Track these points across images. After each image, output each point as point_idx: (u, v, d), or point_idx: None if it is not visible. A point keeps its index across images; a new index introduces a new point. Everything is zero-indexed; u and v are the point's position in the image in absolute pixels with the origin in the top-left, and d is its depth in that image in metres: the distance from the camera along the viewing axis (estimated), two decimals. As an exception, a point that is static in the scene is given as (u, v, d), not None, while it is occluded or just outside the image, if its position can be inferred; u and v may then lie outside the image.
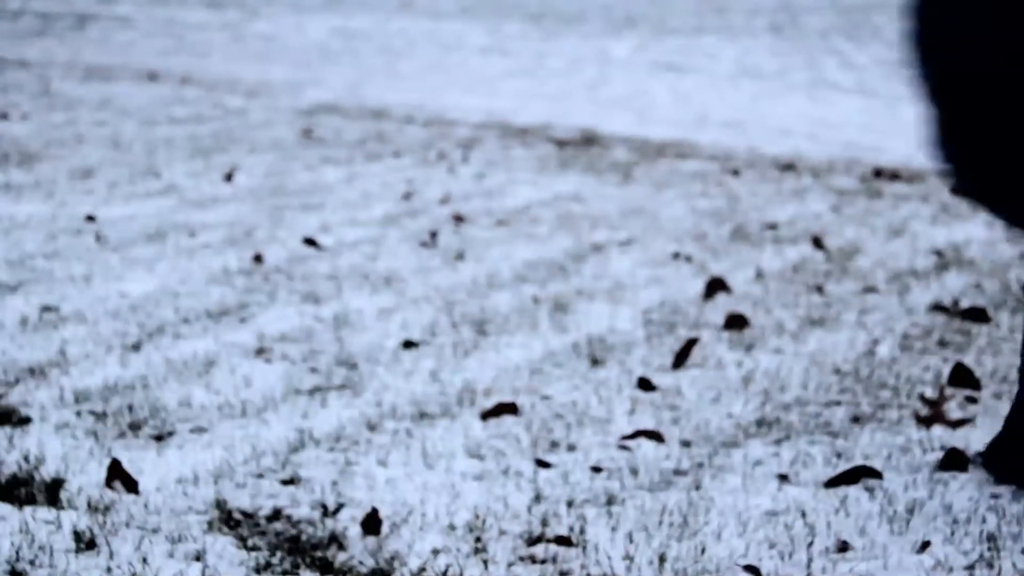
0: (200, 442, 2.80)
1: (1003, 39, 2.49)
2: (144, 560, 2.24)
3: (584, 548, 2.34)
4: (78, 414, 2.94)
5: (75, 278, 4.07)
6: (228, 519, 2.43)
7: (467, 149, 7.05)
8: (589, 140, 7.48)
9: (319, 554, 2.29)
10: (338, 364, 3.34)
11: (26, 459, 2.67)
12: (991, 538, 2.38)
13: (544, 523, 2.43)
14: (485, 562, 2.28)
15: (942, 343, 3.64)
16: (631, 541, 2.37)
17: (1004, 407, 3.12)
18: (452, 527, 2.41)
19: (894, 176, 6.62)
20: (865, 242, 4.98)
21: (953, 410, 3.08)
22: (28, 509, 2.42)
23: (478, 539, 2.37)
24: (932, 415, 3.02)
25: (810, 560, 2.30)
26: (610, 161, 6.76)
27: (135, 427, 2.88)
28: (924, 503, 2.54)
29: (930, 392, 3.21)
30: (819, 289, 4.20)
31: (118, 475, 2.55)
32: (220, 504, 2.49)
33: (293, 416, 2.96)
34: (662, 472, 2.70)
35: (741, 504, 2.53)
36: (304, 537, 2.37)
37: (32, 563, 2.22)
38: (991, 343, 3.67)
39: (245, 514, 2.46)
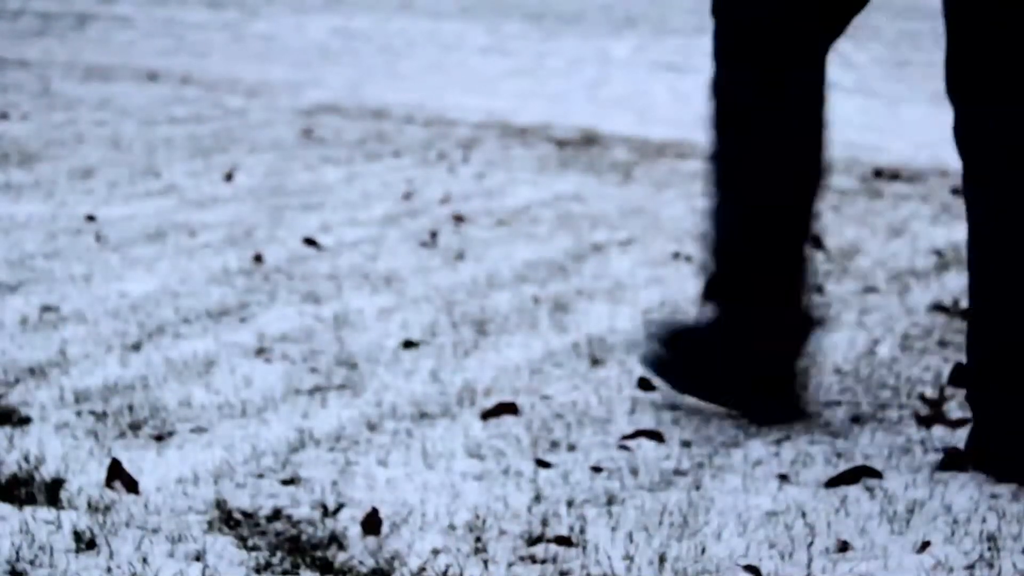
0: (200, 442, 2.80)
1: None
2: (144, 560, 2.24)
3: (584, 548, 2.34)
4: (78, 414, 2.94)
5: (75, 278, 4.07)
6: (228, 519, 2.43)
7: (467, 149, 7.06)
8: (589, 140, 7.48)
9: (319, 554, 2.29)
10: (338, 364, 3.34)
11: (26, 459, 2.67)
12: (991, 538, 2.38)
13: (544, 523, 2.43)
14: (485, 562, 2.28)
15: (942, 343, 3.65)
16: (631, 541, 2.37)
17: (1004, 407, 3.12)
18: (452, 527, 2.41)
19: (894, 176, 6.62)
20: (865, 242, 4.98)
21: (953, 410, 3.09)
22: (28, 509, 2.42)
23: (478, 539, 2.37)
24: (932, 415, 3.02)
25: (810, 560, 2.30)
26: (610, 161, 6.76)
27: (135, 427, 2.88)
28: (924, 503, 2.54)
29: (930, 392, 3.21)
30: (819, 289, 4.20)
31: (118, 475, 2.55)
32: (220, 504, 2.49)
33: (293, 416, 2.97)
34: (662, 472, 2.70)
35: (741, 504, 2.53)
36: (304, 537, 2.37)
37: (32, 563, 2.22)
38: (991, 343, 3.67)
39: (245, 514, 2.46)
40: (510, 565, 2.28)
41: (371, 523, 2.39)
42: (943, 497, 2.57)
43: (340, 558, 2.29)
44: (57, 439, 2.79)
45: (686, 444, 2.85)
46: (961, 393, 3.21)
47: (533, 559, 2.30)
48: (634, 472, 2.69)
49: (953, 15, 2.75)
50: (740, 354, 2.96)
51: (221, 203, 5.36)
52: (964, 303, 4.08)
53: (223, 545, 2.31)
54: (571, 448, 2.82)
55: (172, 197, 5.46)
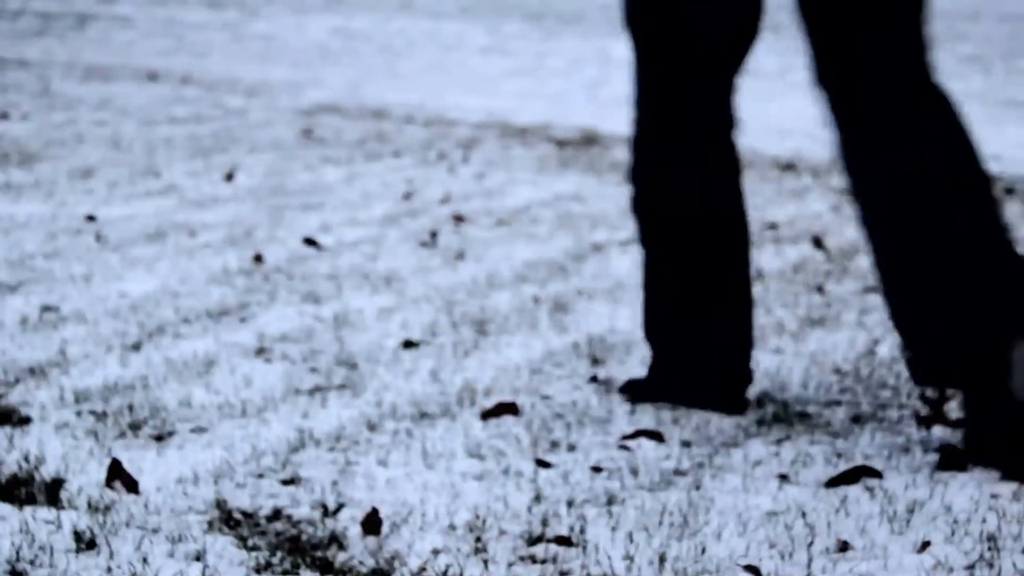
0: (200, 442, 2.80)
1: None
2: (144, 560, 2.24)
3: (584, 548, 2.34)
4: (78, 414, 2.94)
5: (75, 278, 4.08)
6: (228, 519, 2.43)
7: (467, 149, 7.06)
8: (589, 140, 7.48)
9: (319, 554, 2.29)
10: (338, 364, 3.34)
11: (26, 459, 2.67)
12: (991, 538, 2.38)
13: (544, 523, 2.43)
14: (485, 562, 2.28)
15: (942, 343, 3.64)
16: (631, 541, 2.37)
17: (1004, 407, 3.12)
18: (452, 527, 2.41)
19: (894, 176, 6.61)
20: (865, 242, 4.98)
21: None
22: (28, 509, 2.42)
23: (478, 539, 2.37)
24: (932, 415, 3.02)
25: (810, 560, 2.30)
26: (610, 161, 6.76)
27: (135, 427, 2.88)
28: (924, 503, 2.54)
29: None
30: (819, 289, 4.20)
31: (118, 475, 2.55)
32: (220, 504, 2.49)
33: (293, 416, 2.97)
34: (662, 472, 2.70)
35: (741, 504, 2.53)
36: (304, 537, 2.37)
37: (32, 563, 2.22)
38: (991, 343, 3.67)
39: (245, 514, 2.46)
40: (510, 565, 2.28)
41: (371, 523, 2.39)
42: (943, 497, 2.57)
43: (340, 558, 2.29)
44: (57, 439, 2.79)
45: (686, 444, 2.85)
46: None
47: (533, 559, 2.30)
48: (634, 472, 2.69)
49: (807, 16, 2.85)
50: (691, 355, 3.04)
51: (221, 203, 5.36)
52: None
53: (223, 545, 2.31)
54: (571, 448, 2.82)
55: (172, 197, 5.46)
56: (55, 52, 11.61)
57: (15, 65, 10.36)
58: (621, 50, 13.06)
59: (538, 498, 2.55)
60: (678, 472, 2.70)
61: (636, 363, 3.39)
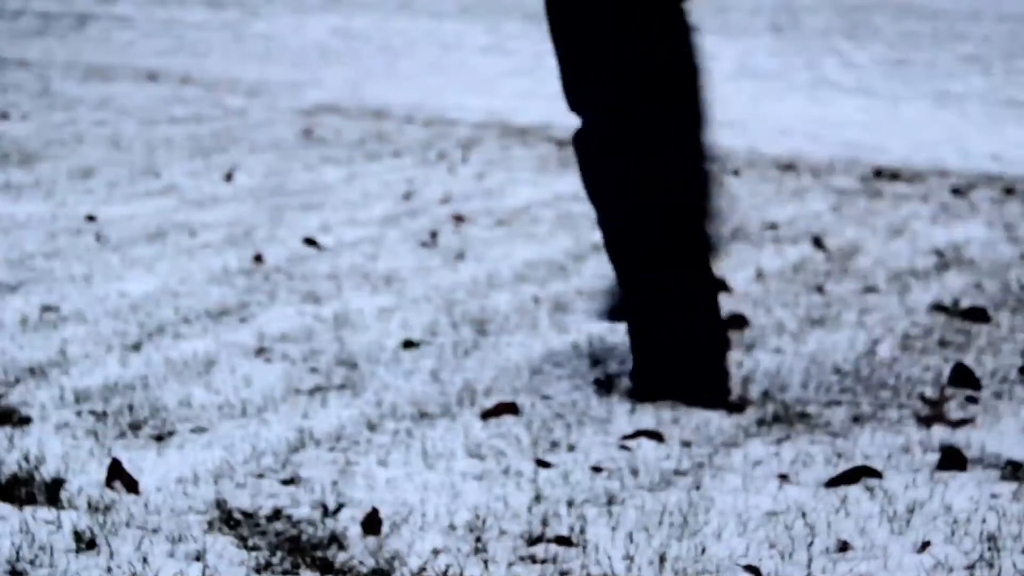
0: (200, 442, 2.80)
1: None
2: (144, 560, 2.24)
3: (584, 548, 2.34)
4: (78, 414, 2.94)
5: (75, 278, 4.07)
6: (228, 519, 2.43)
7: (467, 149, 7.06)
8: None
9: (319, 554, 2.29)
10: (338, 364, 3.34)
11: (26, 459, 2.67)
12: (991, 538, 2.38)
13: (544, 523, 2.43)
14: (485, 562, 2.28)
15: (942, 343, 3.65)
16: (631, 541, 2.37)
17: (1004, 407, 3.13)
18: (452, 527, 2.41)
19: (894, 176, 6.62)
20: (865, 242, 4.98)
21: (953, 410, 3.09)
22: (28, 509, 2.42)
23: (478, 539, 2.37)
24: (932, 415, 3.02)
25: (810, 560, 2.30)
26: (610, 161, 6.75)
27: (135, 427, 2.88)
28: (924, 503, 2.54)
29: (930, 392, 3.21)
30: (819, 289, 4.20)
31: (118, 475, 2.55)
32: (220, 504, 2.49)
33: (293, 416, 2.97)
34: (662, 472, 2.70)
35: (741, 504, 2.53)
36: (304, 537, 2.37)
37: (32, 563, 2.22)
38: (991, 343, 3.67)
39: (245, 514, 2.46)
40: (510, 565, 2.28)
41: (371, 523, 2.39)
42: (943, 497, 2.57)
43: (340, 558, 2.29)
44: (57, 439, 2.79)
45: (686, 444, 2.85)
46: (961, 393, 3.21)
47: (533, 559, 2.30)
48: (634, 472, 2.69)
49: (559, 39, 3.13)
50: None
51: (221, 203, 5.36)
52: (964, 303, 4.09)
53: (223, 545, 2.31)
54: (571, 448, 2.82)
55: (172, 197, 5.46)
56: (55, 52, 11.61)
57: (15, 65, 10.36)
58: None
59: (538, 498, 2.55)
60: (678, 472, 2.70)
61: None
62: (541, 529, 2.41)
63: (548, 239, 4.87)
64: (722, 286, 4.13)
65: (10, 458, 2.69)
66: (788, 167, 6.81)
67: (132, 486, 2.54)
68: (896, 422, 3.01)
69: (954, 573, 2.26)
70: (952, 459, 2.72)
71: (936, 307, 4.00)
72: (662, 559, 2.29)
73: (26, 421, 2.90)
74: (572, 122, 8.22)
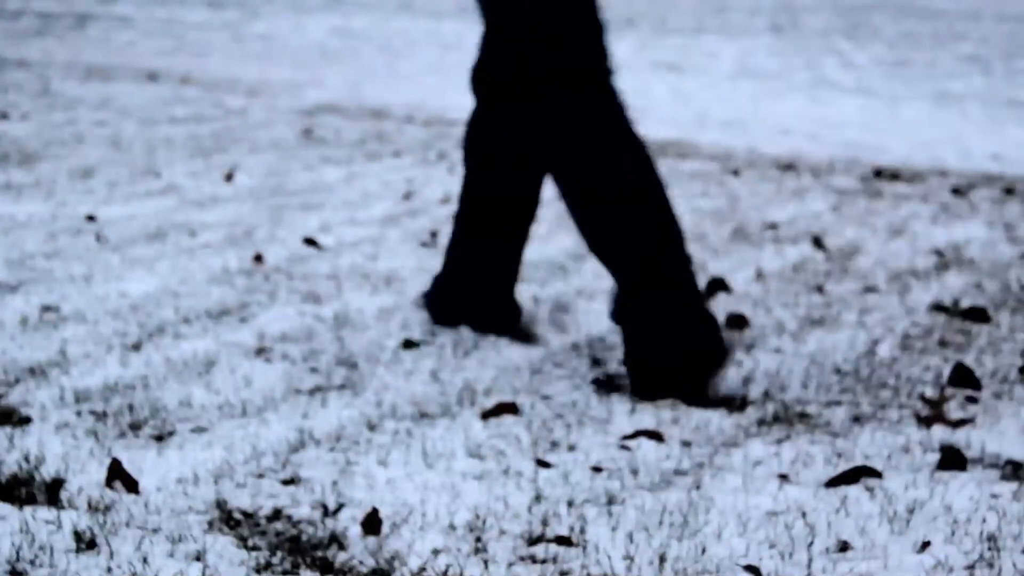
0: (200, 442, 2.80)
1: None
2: (144, 560, 2.24)
3: (584, 548, 2.34)
4: (78, 414, 2.94)
5: (75, 278, 4.07)
6: (228, 519, 2.43)
7: (467, 149, 7.05)
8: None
9: (319, 554, 2.29)
10: (338, 364, 3.34)
11: (26, 459, 2.67)
12: (991, 538, 2.38)
13: (544, 523, 2.43)
14: (485, 562, 2.28)
15: (942, 343, 3.65)
16: (631, 541, 2.37)
17: (1004, 407, 3.13)
18: (452, 527, 2.41)
19: (894, 176, 6.62)
20: (865, 242, 4.98)
21: (953, 410, 3.09)
22: (28, 509, 2.42)
23: (478, 539, 2.37)
24: (932, 415, 3.02)
25: (810, 560, 2.30)
26: (610, 161, 6.75)
27: (135, 427, 2.88)
28: (924, 503, 2.54)
29: (930, 392, 3.21)
30: (819, 289, 4.20)
31: (118, 475, 2.55)
32: (220, 504, 2.49)
33: (293, 416, 2.97)
34: (662, 472, 2.70)
35: (741, 504, 2.53)
36: (304, 537, 2.37)
37: (32, 563, 2.22)
38: (991, 343, 3.67)
39: (245, 514, 2.46)
40: (510, 565, 2.28)
41: (371, 523, 2.39)
42: (943, 497, 2.57)
43: (340, 558, 2.29)
44: (57, 439, 2.79)
45: (686, 444, 2.85)
46: (961, 393, 3.21)
47: (533, 559, 2.30)
48: (634, 472, 2.69)
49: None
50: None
51: (221, 203, 5.36)
52: (964, 303, 4.09)
53: (223, 545, 2.31)
54: (571, 448, 2.82)
55: (172, 197, 5.46)
56: (55, 52, 11.62)
57: (15, 65, 10.36)
58: (621, 50, 13.06)
59: (538, 498, 2.55)
60: (678, 472, 2.70)
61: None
62: (541, 529, 2.41)
63: (548, 239, 4.87)
64: (722, 286, 4.13)
65: (10, 458, 2.69)
66: (788, 167, 6.82)
67: (132, 486, 2.54)
68: (896, 422, 3.01)
69: (954, 573, 2.26)
70: (952, 459, 2.72)
71: (936, 307, 4.00)
72: (662, 559, 2.29)
73: (26, 421, 2.90)
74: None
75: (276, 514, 2.47)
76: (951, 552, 2.32)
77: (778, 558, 2.31)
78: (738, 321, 3.75)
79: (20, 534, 2.32)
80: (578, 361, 3.40)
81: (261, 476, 2.63)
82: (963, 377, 3.26)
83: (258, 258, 4.37)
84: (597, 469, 2.70)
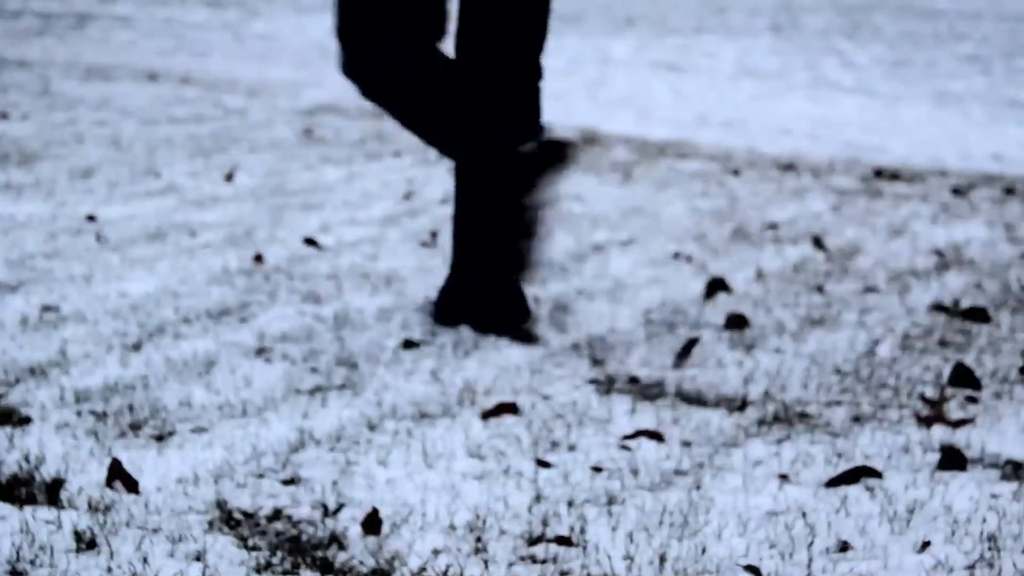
0: (200, 442, 2.80)
1: None
2: (144, 560, 2.24)
3: (584, 548, 2.34)
4: (78, 414, 2.94)
5: (75, 278, 4.07)
6: (228, 519, 2.43)
7: (467, 149, 7.04)
8: (589, 140, 7.48)
9: (319, 554, 2.29)
10: (338, 364, 3.34)
11: (26, 459, 2.67)
12: (992, 538, 2.38)
13: (544, 523, 2.43)
14: (485, 562, 2.28)
15: (943, 343, 3.65)
16: (631, 541, 2.37)
17: (1005, 407, 3.13)
18: (452, 527, 2.41)
19: (894, 176, 6.62)
20: (865, 242, 4.98)
21: (953, 410, 3.09)
22: (28, 509, 2.42)
23: (478, 539, 2.37)
24: (932, 415, 3.02)
25: (810, 560, 2.30)
26: (610, 161, 6.76)
27: (135, 427, 2.88)
28: (925, 503, 2.54)
29: (930, 392, 3.21)
30: (819, 289, 4.20)
31: (118, 475, 2.55)
32: (220, 504, 2.49)
33: (293, 416, 2.97)
34: (662, 472, 2.70)
35: (741, 504, 2.53)
36: (304, 537, 2.37)
37: (32, 563, 2.22)
38: (991, 343, 3.67)
39: (245, 514, 2.46)
40: (510, 565, 2.28)
41: (371, 523, 2.39)
42: (943, 497, 2.57)
43: (340, 558, 2.29)
44: (57, 439, 2.79)
45: (686, 444, 2.85)
46: (961, 393, 3.21)
47: (533, 559, 2.30)
48: (634, 472, 2.69)
49: None
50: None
51: (221, 203, 5.36)
52: (964, 303, 4.09)
53: (223, 545, 2.31)
54: (571, 448, 2.82)
55: (172, 197, 5.46)
56: (55, 52, 11.61)
57: (15, 65, 10.36)
58: (621, 50, 13.06)
59: (538, 498, 2.55)
60: (678, 472, 2.70)
61: (636, 363, 3.39)
62: (541, 529, 2.41)
63: (548, 239, 4.87)
64: (722, 286, 4.13)
65: (10, 458, 2.69)
66: (788, 167, 6.81)
67: (132, 486, 2.54)
68: (896, 422, 3.01)
69: (954, 573, 2.26)
70: (952, 459, 2.72)
71: (936, 307, 4.00)
72: (662, 559, 2.29)
73: (26, 421, 2.90)
74: (573, 122, 8.22)
75: (276, 514, 2.47)
76: (951, 552, 2.32)
77: (778, 558, 2.31)
78: (738, 321, 3.75)
79: (20, 534, 2.32)
80: (578, 361, 3.40)
81: (261, 476, 2.63)
82: (963, 377, 3.26)
83: (258, 258, 4.37)
84: (597, 469, 2.70)
